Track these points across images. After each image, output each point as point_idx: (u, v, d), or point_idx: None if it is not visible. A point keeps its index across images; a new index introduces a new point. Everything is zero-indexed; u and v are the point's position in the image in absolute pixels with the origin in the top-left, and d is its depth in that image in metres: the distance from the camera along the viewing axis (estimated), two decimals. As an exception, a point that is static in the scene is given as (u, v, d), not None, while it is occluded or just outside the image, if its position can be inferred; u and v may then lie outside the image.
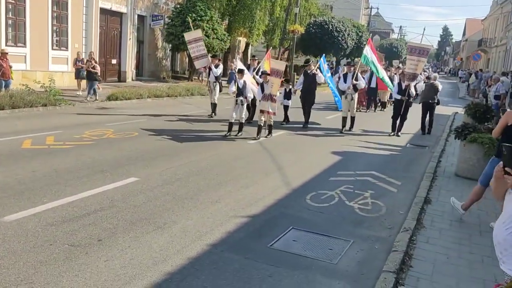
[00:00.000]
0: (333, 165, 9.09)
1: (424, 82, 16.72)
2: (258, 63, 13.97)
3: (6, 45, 16.26)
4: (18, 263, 4.22)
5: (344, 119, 13.41)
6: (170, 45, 25.68)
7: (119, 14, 23.31)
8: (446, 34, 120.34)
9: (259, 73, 12.84)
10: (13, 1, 16.97)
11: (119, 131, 10.90)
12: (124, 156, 8.53)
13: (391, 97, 19.70)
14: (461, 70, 53.77)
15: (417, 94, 20.93)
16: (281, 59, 34.19)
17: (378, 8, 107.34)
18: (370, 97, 19.50)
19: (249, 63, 14.66)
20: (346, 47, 36.64)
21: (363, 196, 7.16)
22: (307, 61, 14.85)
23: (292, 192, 7.09)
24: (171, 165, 8.12)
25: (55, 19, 19.23)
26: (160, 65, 27.79)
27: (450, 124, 15.75)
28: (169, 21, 25.01)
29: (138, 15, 24.60)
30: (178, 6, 25.42)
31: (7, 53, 14.12)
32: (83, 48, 20.75)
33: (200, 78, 26.59)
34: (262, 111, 11.20)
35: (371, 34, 26.33)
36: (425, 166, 9.36)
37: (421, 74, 26.50)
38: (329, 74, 14.48)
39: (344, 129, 13.31)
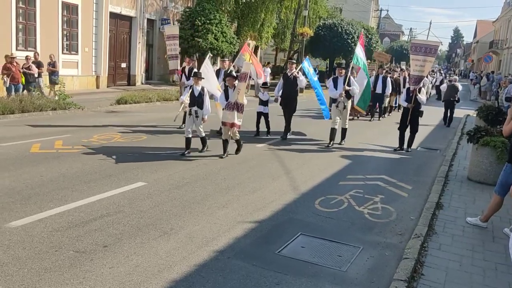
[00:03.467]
0: (342, 169, 8.97)
1: (447, 83, 18.13)
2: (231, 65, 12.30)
3: (16, 50, 16.39)
4: (22, 270, 4.17)
5: (332, 130, 11.14)
6: (179, 49, 25.70)
7: (129, 18, 23.40)
8: (457, 36, 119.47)
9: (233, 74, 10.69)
10: (24, 6, 17.11)
11: (127, 135, 10.89)
12: (132, 160, 8.49)
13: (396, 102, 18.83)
14: (472, 72, 53.26)
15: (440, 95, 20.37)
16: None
17: (388, 10, 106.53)
18: (375, 104, 16.85)
19: (218, 66, 11.95)
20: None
21: (373, 200, 7.04)
22: (290, 60, 12.88)
23: (300, 197, 6.99)
24: (178, 168, 8.07)
25: (65, 23, 19.36)
26: (169, 69, 27.80)
27: (462, 127, 15.53)
28: (179, 24, 25.03)
29: (148, 19, 24.70)
30: (187, 9, 25.47)
31: (15, 58, 14.20)
32: (93, 52, 20.90)
33: None
34: (224, 123, 9.24)
35: (375, 36, 25.87)
36: (437, 170, 9.20)
37: (429, 75, 25.47)
38: (316, 78, 12.39)
39: (332, 142, 11.13)
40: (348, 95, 11.14)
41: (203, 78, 9.40)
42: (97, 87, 21.23)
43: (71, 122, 12.31)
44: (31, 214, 5.50)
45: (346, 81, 10.99)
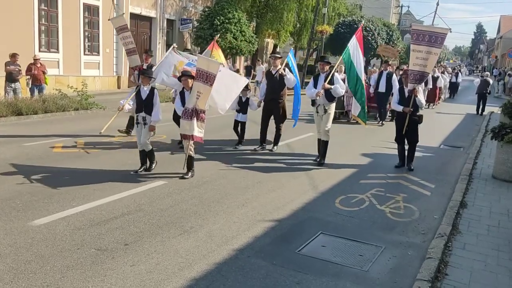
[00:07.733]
0: (363, 168, 8.86)
1: (479, 78, 20.26)
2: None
3: (39, 51, 16.66)
4: (45, 267, 4.23)
5: (319, 142, 9.03)
6: (199, 48, 25.83)
7: (149, 19, 23.59)
8: (479, 32, 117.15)
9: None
10: (46, 8, 17.39)
11: (147, 134, 10.94)
12: (152, 159, 8.53)
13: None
14: (496, 68, 52.11)
15: (450, 94, 21.22)
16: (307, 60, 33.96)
17: (408, 6, 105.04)
18: (380, 106, 14.55)
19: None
20: (376, 46, 36.03)
21: (394, 199, 6.93)
22: (274, 54, 10.19)
23: (321, 196, 6.93)
24: (198, 167, 8.07)
25: (86, 24, 19.61)
26: (129, 67, 27.83)
27: (486, 124, 15.20)
28: (198, 24, 25.17)
29: (167, 19, 24.85)
30: (207, 9, 25.56)
31: (38, 59, 14.43)
32: (114, 52, 21.15)
33: None
34: (184, 136, 7.45)
35: (396, 33, 25.45)
36: (460, 168, 9.02)
37: (446, 72, 24.54)
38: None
39: (320, 158, 8.98)
40: (330, 96, 8.63)
41: (154, 78, 7.93)
42: (118, 87, 21.48)
43: (93, 122, 12.45)
44: (54, 212, 5.58)
45: (328, 78, 8.56)
